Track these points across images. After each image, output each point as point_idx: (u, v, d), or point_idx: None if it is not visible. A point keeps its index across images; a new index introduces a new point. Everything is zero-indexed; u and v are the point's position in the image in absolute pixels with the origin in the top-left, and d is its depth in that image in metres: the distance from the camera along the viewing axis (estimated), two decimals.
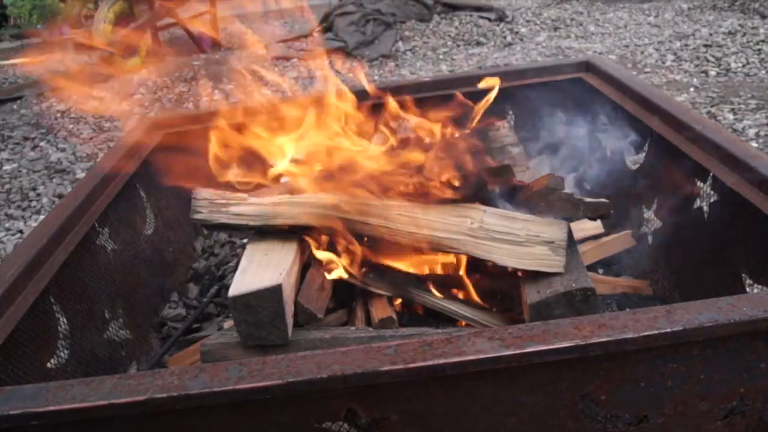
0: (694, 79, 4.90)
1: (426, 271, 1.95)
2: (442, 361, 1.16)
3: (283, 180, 2.34)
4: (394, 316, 1.81)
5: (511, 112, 2.76)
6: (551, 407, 1.29)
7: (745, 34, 5.61)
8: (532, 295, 1.65)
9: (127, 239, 2.24)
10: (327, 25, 6.22)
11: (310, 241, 1.96)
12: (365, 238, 1.86)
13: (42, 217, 3.87)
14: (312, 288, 1.85)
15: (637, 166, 2.35)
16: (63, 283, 1.82)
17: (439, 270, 1.97)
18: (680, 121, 2.09)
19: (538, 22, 6.64)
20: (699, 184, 1.97)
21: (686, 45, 5.59)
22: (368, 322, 1.89)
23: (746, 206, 1.70)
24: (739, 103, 4.41)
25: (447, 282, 1.97)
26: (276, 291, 1.62)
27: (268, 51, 6.11)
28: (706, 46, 5.51)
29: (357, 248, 1.87)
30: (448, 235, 1.74)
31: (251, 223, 1.88)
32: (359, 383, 1.16)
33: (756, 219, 1.68)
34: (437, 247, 1.76)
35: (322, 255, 1.90)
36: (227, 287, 2.43)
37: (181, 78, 5.68)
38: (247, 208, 1.88)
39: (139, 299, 2.22)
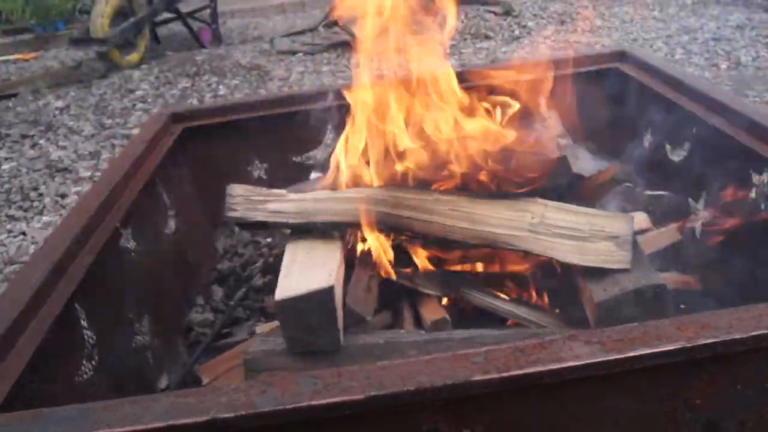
0: (706, 73, 4.82)
1: (479, 269, 1.85)
2: (539, 368, 1.05)
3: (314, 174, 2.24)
4: (448, 318, 1.70)
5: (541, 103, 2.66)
6: (649, 414, 1.19)
7: (753, 28, 5.55)
8: (598, 293, 1.55)
9: (149, 240, 2.12)
10: (333, 18, 6.10)
11: (355, 238, 1.86)
12: (413, 235, 1.75)
13: (46, 218, 3.73)
14: (359, 289, 1.74)
15: (681, 157, 2.25)
16: (88, 288, 1.69)
17: (491, 268, 1.87)
18: (728, 108, 2.00)
19: (544, 16, 6.54)
20: (755, 175, 1.88)
21: (695, 39, 5.52)
22: (417, 323, 1.78)
23: None
24: (754, 96, 4.34)
25: (497, 280, 1.87)
26: (328, 293, 1.52)
27: (273, 45, 5.98)
28: (714, 39, 5.43)
29: (406, 246, 1.76)
30: (506, 231, 1.64)
31: (291, 220, 1.77)
32: (449, 395, 1.05)
33: None
34: (494, 244, 1.66)
35: (370, 253, 1.79)
36: (255, 289, 2.33)
37: (184, 73, 5.55)
38: (287, 204, 1.78)
39: (164, 303, 2.10)
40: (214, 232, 2.67)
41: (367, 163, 1.90)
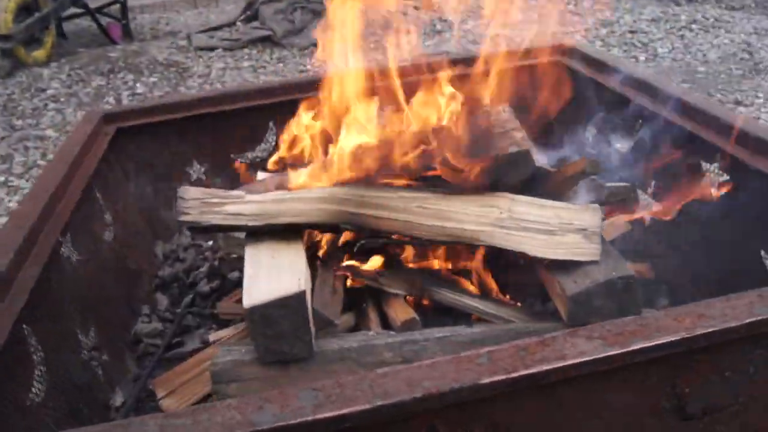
0: None
1: (446, 266, 1.83)
2: (545, 367, 1.04)
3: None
4: (417, 318, 1.67)
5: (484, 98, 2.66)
6: (636, 406, 1.19)
7: (667, 21, 5.75)
8: (569, 286, 1.54)
9: (89, 248, 2.00)
10: (252, 13, 5.96)
11: (314, 239, 1.81)
12: (379, 234, 1.71)
13: None
14: (325, 292, 1.69)
15: (627, 148, 2.29)
16: (35, 305, 1.58)
17: (453, 264, 1.85)
18: (674, 99, 2.05)
19: (463, 10, 6.60)
20: (705, 163, 1.93)
21: (612, 32, 5.67)
22: (384, 324, 1.75)
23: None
24: None
25: (458, 276, 1.86)
26: (300, 298, 1.46)
27: (190, 41, 5.79)
28: (631, 32, 5.60)
29: (371, 245, 1.72)
30: (473, 227, 1.62)
31: (251, 223, 1.70)
32: (457, 400, 1.02)
33: None
34: (462, 240, 1.63)
35: (333, 254, 1.74)
36: (202, 295, 2.24)
37: (98, 71, 5.30)
38: (246, 206, 1.70)
39: (109, 315, 1.98)
40: (152, 238, 2.55)
41: (326, 160, 1.85)
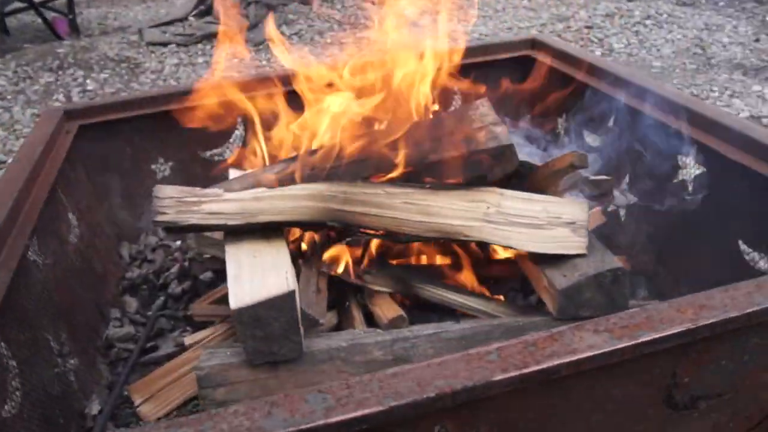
0: None
1: (429, 262, 1.81)
2: (556, 362, 1.02)
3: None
4: (405, 315, 1.65)
5: (458, 93, 2.65)
6: (638, 397, 1.19)
7: (622, 16, 5.81)
8: (558, 279, 1.54)
9: (56, 251, 1.92)
10: (205, 8, 5.83)
11: (299, 237, 1.77)
12: (364, 231, 1.68)
13: None
14: (309, 291, 1.66)
15: (599, 141, 2.31)
16: (4, 312, 1.50)
17: (439, 260, 1.83)
18: (650, 92, 2.06)
19: (420, 6, 6.58)
20: (680, 155, 1.94)
21: (569, 27, 5.72)
22: (369, 322, 1.72)
23: (744, 173, 1.69)
24: None
25: (446, 271, 1.84)
26: (290, 298, 1.42)
27: (142, 36, 5.64)
28: (587, 27, 5.66)
29: (357, 243, 1.69)
30: (461, 222, 1.60)
31: (231, 222, 1.65)
32: (470, 398, 0.99)
33: (756, 185, 1.67)
34: (449, 236, 1.61)
35: (315, 252, 1.71)
36: (174, 297, 2.18)
37: (46, 67, 5.12)
38: (226, 205, 1.65)
39: (79, 320, 1.91)
40: (116, 238, 2.47)
41: (306, 156, 1.81)
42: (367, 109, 1.99)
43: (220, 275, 2.20)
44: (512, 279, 1.98)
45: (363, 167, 1.77)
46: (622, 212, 2.20)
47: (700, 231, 1.87)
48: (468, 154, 1.80)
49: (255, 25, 5.60)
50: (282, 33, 5.73)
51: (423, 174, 1.78)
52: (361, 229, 1.64)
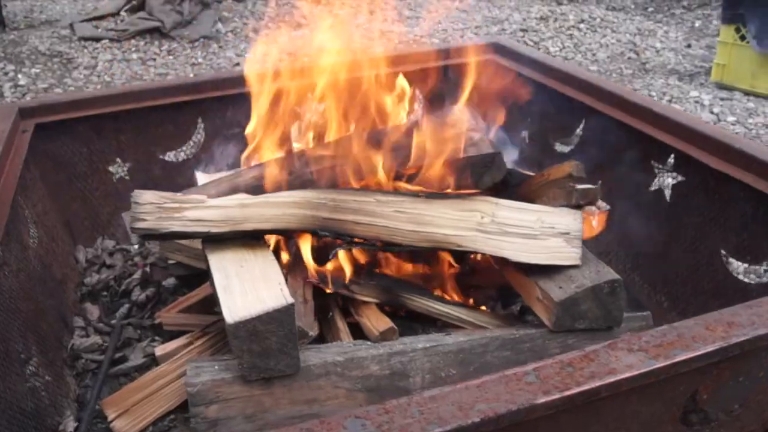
0: None
1: (414, 271, 1.78)
2: (598, 383, 1.01)
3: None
4: (395, 327, 1.61)
5: (420, 97, 2.62)
6: (661, 415, 1.19)
7: (556, 19, 5.91)
8: (554, 291, 1.53)
9: (18, 256, 1.80)
10: (138, 3, 5.61)
11: (280, 245, 1.71)
12: (355, 240, 1.63)
13: None
14: (297, 301, 1.60)
15: (568, 148, 2.32)
16: None
17: (424, 270, 1.80)
18: (622, 99, 2.09)
19: (354, 5, 6.52)
20: (656, 163, 1.97)
21: (503, 30, 5.78)
22: (356, 334, 1.67)
23: (726, 182, 1.72)
24: None
25: (432, 281, 1.81)
26: (289, 312, 1.36)
27: (73, 31, 5.38)
28: (522, 30, 5.73)
29: (345, 252, 1.64)
30: (454, 232, 1.57)
31: (214, 229, 1.57)
32: (513, 422, 0.97)
33: (739, 195, 1.70)
34: (441, 246, 1.58)
35: (300, 261, 1.65)
36: (139, 305, 2.08)
37: None
38: (209, 212, 1.58)
39: (45, 329, 1.79)
40: (71, 242, 2.34)
41: (288, 160, 1.75)
42: (333, 114, 1.95)
43: (185, 281, 2.12)
44: (488, 288, 1.97)
45: (335, 173, 1.74)
46: (594, 221, 2.22)
47: (678, 239, 1.90)
48: (453, 161, 1.79)
49: (190, 22, 5.44)
50: (218, 30, 5.59)
51: (406, 181, 1.76)
52: (354, 239, 1.59)
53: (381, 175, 1.75)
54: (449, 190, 1.73)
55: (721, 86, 4.39)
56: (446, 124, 1.99)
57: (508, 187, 1.77)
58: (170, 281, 2.15)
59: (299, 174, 1.78)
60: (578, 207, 1.77)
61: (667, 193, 1.94)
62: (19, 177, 1.91)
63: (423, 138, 1.80)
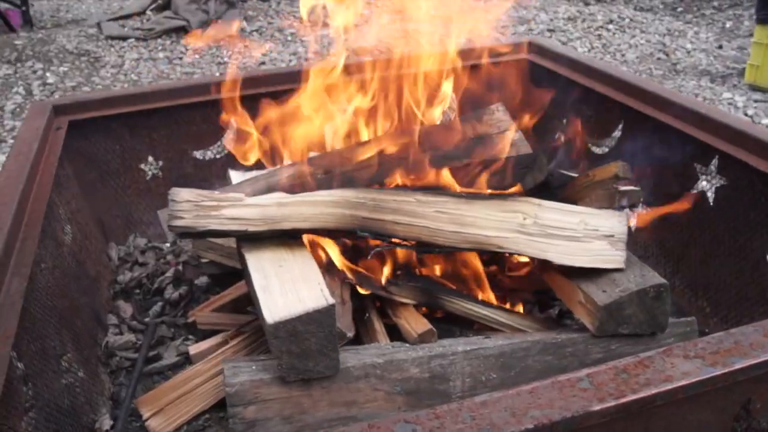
0: None
1: (451, 273, 1.75)
2: (653, 391, 0.98)
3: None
4: (434, 329, 1.58)
5: (453, 96, 2.59)
6: (710, 424, 1.15)
7: (584, 20, 5.85)
8: (598, 295, 1.50)
9: (53, 253, 1.80)
10: (163, 2, 5.63)
11: (325, 245, 1.69)
12: (396, 241, 1.60)
13: None
14: (335, 302, 1.58)
15: (606, 149, 2.28)
16: (19, 323, 1.39)
17: (461, 271, 1.77)
18: (663, 99, 2.04)
19: (379, 5, 6.51)
20: (699, 165, 1.93)
21: (531, 30, 5.73)
22: (392, 335, 1.65)
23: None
24: None
25: (469, 283, 1.78)
26: (329, 313, 1.35)
27: (100, 30, 5.41)
28: (550, 30, 5.68)
29: (385, 253, 1.62)
30: (496, 234, 1.55)
31: (252, 228, 1.56)
32: (567, 429, 0.94)
33: None
34: (483, 248, 1.56)
35: (343, 263, 1.63)
36: (172, 303, 2.08)
37: (3, 59, 4.86)
38: (247, 210, 1.56)
39: (80, 327, 1.79)
40: (103, 240, 2.34)
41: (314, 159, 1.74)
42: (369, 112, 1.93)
43: (217, 280, 2.11)
44: (525, 291, 1.94)
45: (375, 172, 1.72)
46: (633, 224, 2.18)
47: (721, 243, 1.86)
48: (492, 161, 1.76)
49: (216, 21, 5.46)
50: (243, 29, 5.60)
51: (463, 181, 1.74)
52: (393, 239, 1.57)
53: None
54: (490, 191, 1.70)
55: (755, 88, 4.32)
56: (483, 124, 1.97)
57: (550, 189, 1.73)
58: (203, 280, 2.15)
59: (337, 172, 1.76)
60: (621, 209, 1.75)
61: (710, 195, 1.90)
62: (54, 175, 1.92)
63: (459, 137, 1.78)
